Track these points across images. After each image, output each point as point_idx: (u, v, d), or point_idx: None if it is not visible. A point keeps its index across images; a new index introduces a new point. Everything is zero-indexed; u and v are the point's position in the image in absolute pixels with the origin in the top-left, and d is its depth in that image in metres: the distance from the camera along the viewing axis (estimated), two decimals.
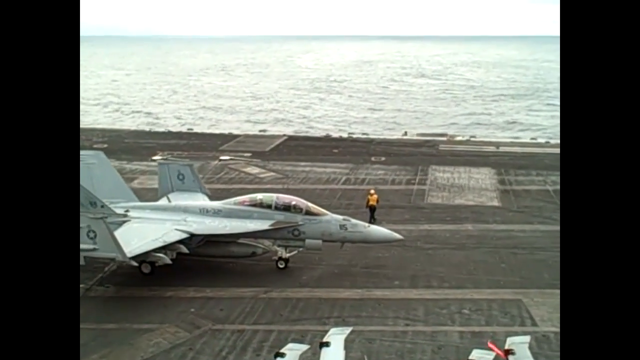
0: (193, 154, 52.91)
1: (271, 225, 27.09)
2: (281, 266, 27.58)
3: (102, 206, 24.85)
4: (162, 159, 36.92)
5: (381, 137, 68.71)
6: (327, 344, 16.28)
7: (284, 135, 67.59)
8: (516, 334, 19.10)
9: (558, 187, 42.60)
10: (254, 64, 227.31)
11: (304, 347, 16.91)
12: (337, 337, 16.73)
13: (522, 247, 30.73)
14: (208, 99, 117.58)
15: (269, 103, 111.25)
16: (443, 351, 20.57)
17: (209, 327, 22.35)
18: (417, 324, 22.68)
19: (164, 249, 25.30)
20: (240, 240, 27.74)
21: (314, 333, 20.88)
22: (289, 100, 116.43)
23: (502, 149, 57.83)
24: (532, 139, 68.38)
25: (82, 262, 23.06)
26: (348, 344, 17.17)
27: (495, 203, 39.12)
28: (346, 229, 27.05)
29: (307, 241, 27.31)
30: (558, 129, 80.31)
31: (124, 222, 26.66)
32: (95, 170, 29.19)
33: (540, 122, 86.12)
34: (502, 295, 25.08)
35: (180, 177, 31.37)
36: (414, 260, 28.68)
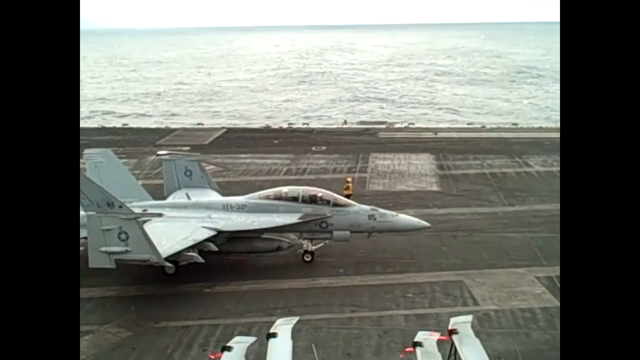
0: (129, 149, 51.55)
1: (299, 218, 26.60)
2: (307, 259, 27.22)
3: (120, 206, 23.42)
4: (166, 155, 35.36)
5: (321, 126, 68.96)
6: (274, 335, 16.21)
7: (223, 127, 66.85)
8: (459, 314, 19.55)
9: (494, 170, 43.99)
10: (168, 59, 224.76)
11: (251, 339, 16.81)
12: (284, 327, 16.68)
13: (462, 230, 31.52)
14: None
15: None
16: (389, 335, 20.83)
17: (152, 324, 21.84)
18: (362, 310, 22.88)
19: (192, 247, 24.47)
20: (265, 235, 27.13)
21: (261, 325, 20.75)
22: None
23: (440, 134, 59.04)
24: (469, 124, 70.15)
25: (112, 265, 22.40)
26: (295, 333, 17.15)
27: (435, 188, 39.93)
28: (375, 218, 26.82)
29: (335, 233, 26.96)
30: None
31: (145, 222, 25.27)
32: (103, 169, 28.03)
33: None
34: (444, 277, 25.64)
35: (188, 173, 30.55)
36: (358, 247, 28.85)
